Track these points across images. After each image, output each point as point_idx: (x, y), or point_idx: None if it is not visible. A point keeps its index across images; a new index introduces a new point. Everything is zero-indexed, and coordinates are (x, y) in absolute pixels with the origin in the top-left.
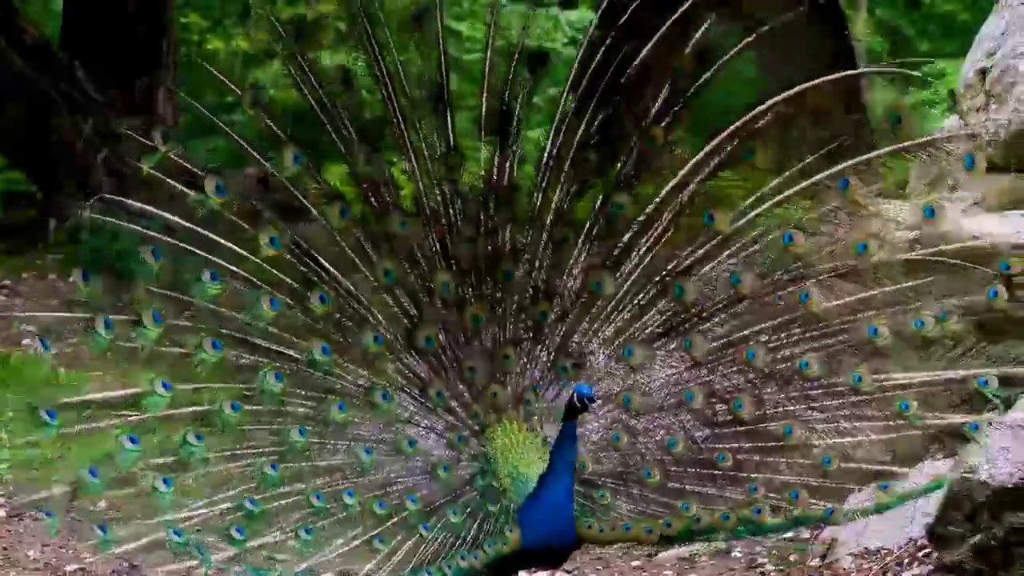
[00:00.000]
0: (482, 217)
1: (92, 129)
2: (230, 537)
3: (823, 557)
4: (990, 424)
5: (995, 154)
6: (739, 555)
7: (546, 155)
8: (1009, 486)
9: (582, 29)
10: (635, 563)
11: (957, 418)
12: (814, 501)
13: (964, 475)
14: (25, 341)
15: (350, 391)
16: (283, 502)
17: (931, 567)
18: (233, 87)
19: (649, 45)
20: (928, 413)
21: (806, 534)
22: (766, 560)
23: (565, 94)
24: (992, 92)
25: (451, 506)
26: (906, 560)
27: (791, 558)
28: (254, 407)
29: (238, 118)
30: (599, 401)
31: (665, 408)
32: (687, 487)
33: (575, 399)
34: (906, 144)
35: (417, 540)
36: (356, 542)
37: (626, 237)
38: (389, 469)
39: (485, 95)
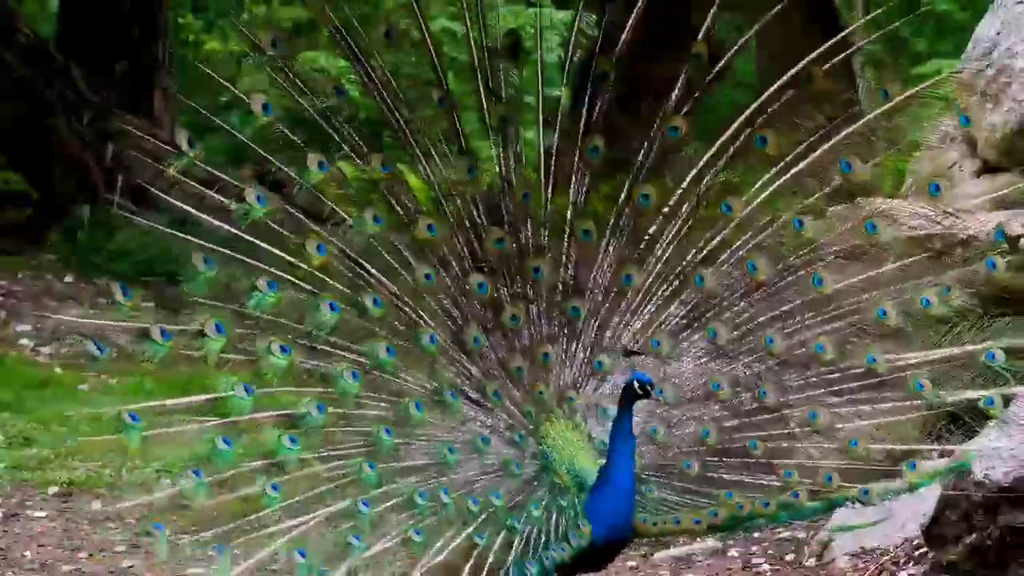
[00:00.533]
0: (504, 216)
1: (96, 132)
2: (348, 546)
3: (819, 557)
4: (1006, 400)
5: (991, 153)
6: (735, 555)
7: (542, 151)
8: (1005, 485)
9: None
10: (631, 563)
11: (972, 394)
12: (846, 484)
13: (960, 472)
14: (22, 341)
15: (419, 391)
16: (391, 503)
17: (927, 567)
18: (247, 100)
19: (631, 20)
20: (943, 392)
21: (802, 533)
22: (762, 560)
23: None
24: (988, 92)
25: (531, 501)
26: (902, 560)
27: (787, 558)
28: (338, 409)
29: (235, 119)
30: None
31: (695, 399)
32: (725, 476)
33: (636, 386)
34: (893, 103)
35: (507, 535)
36: (457, 540)
37: (652, 229)
38: (468, 468)
39: (481, 91)
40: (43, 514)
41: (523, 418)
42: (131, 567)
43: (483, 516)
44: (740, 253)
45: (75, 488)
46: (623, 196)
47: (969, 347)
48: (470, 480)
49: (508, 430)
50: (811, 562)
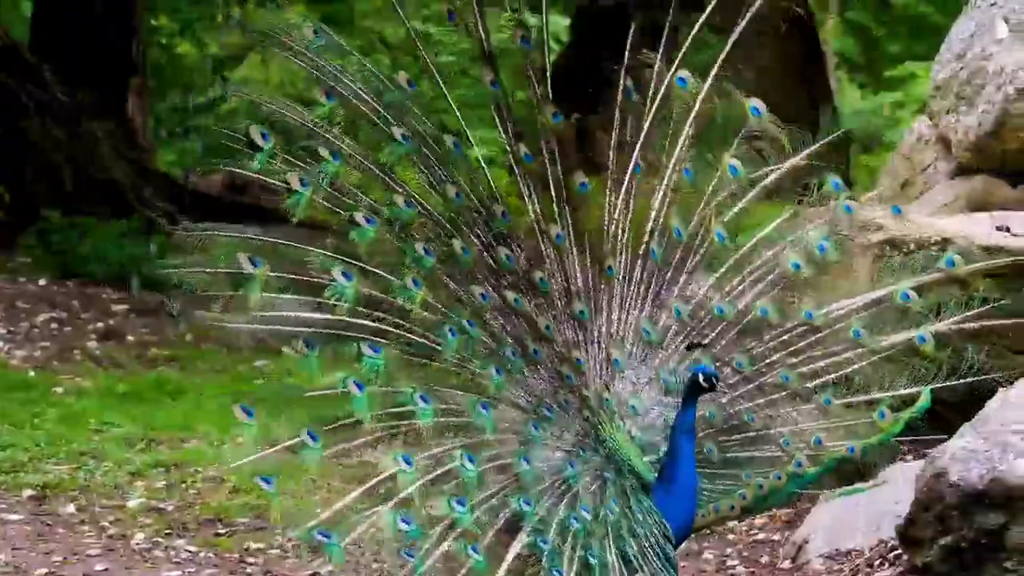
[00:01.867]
0: (492, 232)
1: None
2: None
3: (794, 559)
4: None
5: (965, 155)
6: (710, 557)
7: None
8: (980, 488)
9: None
10: None
11: (904, 335)
12: (834, 443)
13: (935, 475)
14: None
15: (527, 413)
16: (552, 531)
17: (901, 569)
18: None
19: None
20: (879, 336)
21: (777, 535)
22: (737, 562)
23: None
24: (961, 94)
25: (631, 508)
26: (876, 561)
27: (762, 560)
28: (484, 455)
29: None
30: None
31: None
32: (740, 455)
33: (701, 379)
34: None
35: (636, 542)
36: (611, 557)
37: (597, 214)
38: (583, 482)
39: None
40: (17, 517)
41: (586, 424)
42: (105, 570)
43: (614, 529)
44: (663, 214)
45: (49, 491)
46: (556, 189)
47: (884, 290)
48: (590, 493)
49: (586, 437)
50: (786, 564)
